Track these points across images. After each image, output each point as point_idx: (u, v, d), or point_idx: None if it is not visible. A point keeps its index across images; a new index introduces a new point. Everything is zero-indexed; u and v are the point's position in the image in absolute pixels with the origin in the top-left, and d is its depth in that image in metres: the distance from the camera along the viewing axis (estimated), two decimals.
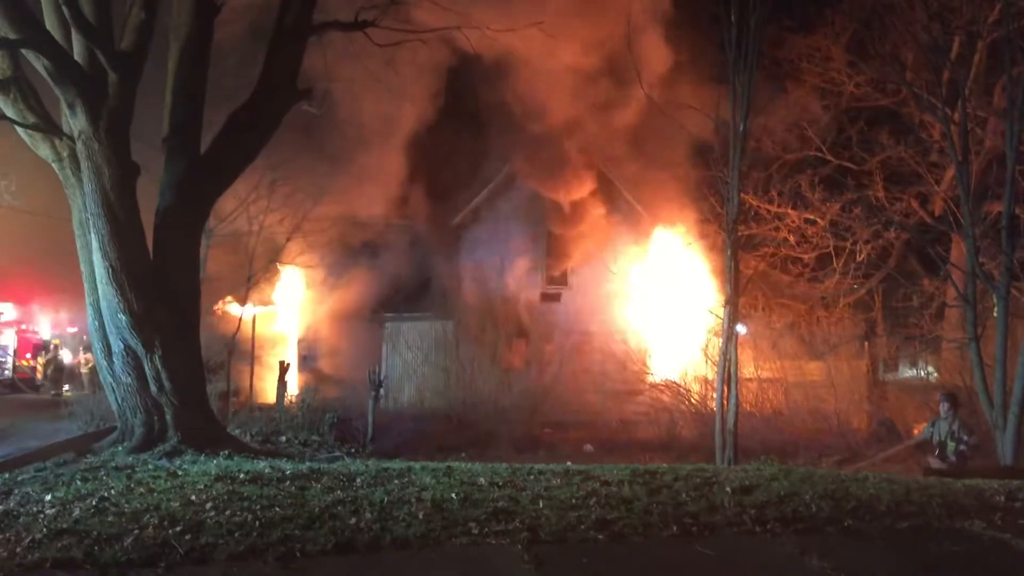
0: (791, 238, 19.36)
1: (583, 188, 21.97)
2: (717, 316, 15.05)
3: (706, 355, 19.04)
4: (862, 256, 19.52)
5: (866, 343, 20.68)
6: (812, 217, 19.37)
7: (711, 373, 17.78)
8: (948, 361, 17.98)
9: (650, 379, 19.59)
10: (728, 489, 7.38)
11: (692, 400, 18.53)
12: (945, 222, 17.79)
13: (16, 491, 7.33)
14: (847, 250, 19.48)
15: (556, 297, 24.02)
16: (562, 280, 24.11)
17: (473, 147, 21.45)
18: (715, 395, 14.00)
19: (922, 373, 20.07)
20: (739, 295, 13.61)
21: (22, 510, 6.49)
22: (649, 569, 5.60)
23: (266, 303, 24.51)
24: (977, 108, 16.89)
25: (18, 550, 5.52)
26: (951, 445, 11.78)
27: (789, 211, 19.30)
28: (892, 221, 18.98)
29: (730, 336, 13.32)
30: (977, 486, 8.17)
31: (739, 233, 14.03)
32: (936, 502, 7.27)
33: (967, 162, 13.62)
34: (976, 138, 16.73)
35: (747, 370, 17.97)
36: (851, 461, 14.62)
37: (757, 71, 13.32)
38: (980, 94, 17.69)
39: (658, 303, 21.17)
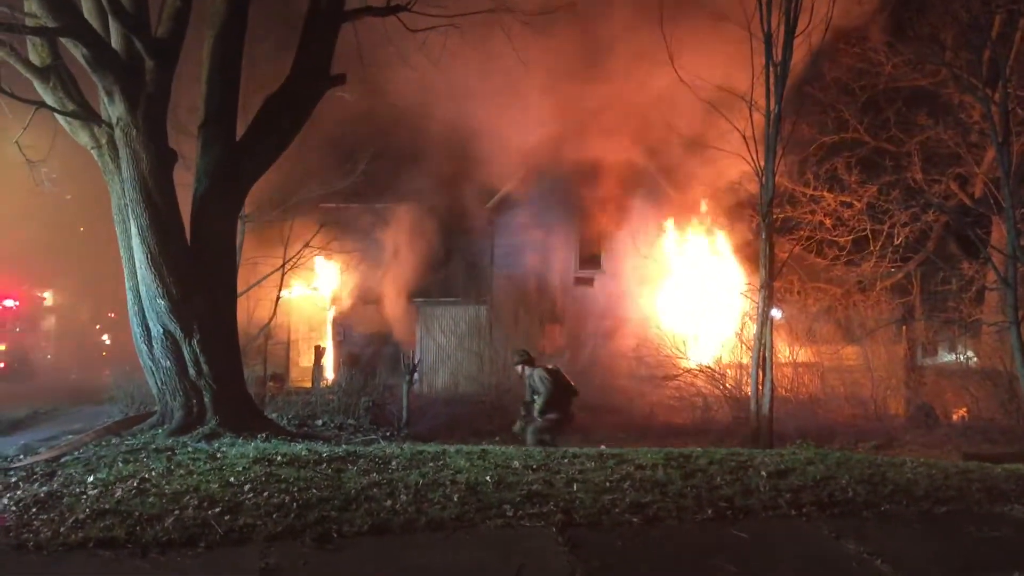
0: (827, 221, 19.15)
1: (617, 172, 21.87)
2: (752, 300, 14.96)
3: (741, 340, 18.92)
4: (900, 239, 19.27)
5: (904, 327, 20.44)
6: (848, 200, 19.14)
7: (746, 358, 17.67)
8: (987, 345, 17.75)
9: (684, 364, 19.49)
10: (763, 473, 7.35)
11: (727, 385, 18.42)
12: (985, 204, 17.54)
13: (60, 472, 7.48)
14: (884, 233, 19.23)
15: (589, 281, 23.95)
16: (595, 264, 24.03)
17: (506, 131, 21.39)
18: (750, 380, 13.93)
19: (961, 358, 19.81)
20: (774, 279, 13.52)
21: (66, 491, 6.61)
22: (683, 552, 5.60)
23: (301, 288, 24.72)
24: (1018, 88, 16.56)
25: (62, 530, 5.64)
26: (538, 402, 11.83)
27: (825, 194, 19.09)
28: (931, 203, 18.72)
29: (765, 320, 13.24)
30: (1018, 471, 8.08)
31: (774, 216, 13.92)
32: (975, 487, 7.20)
33: (1008, 143, 13.40)
34: (1017, 118, 16.42)
35: (782, 355, 17.84)
36: (888, 446, 14.50)
37: (792, 53, 13.18)
38: (1021, 73, 17.34)
39: (692, 287, 21.06)
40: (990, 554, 5.71)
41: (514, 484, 6.78)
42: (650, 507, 6.31)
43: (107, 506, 6.08)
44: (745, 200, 19.29)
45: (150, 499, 6.26)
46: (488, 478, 6.93)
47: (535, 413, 11.90)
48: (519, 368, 12.46)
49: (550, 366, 12.51)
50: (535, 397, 11.95)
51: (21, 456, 9.26)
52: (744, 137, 13.47)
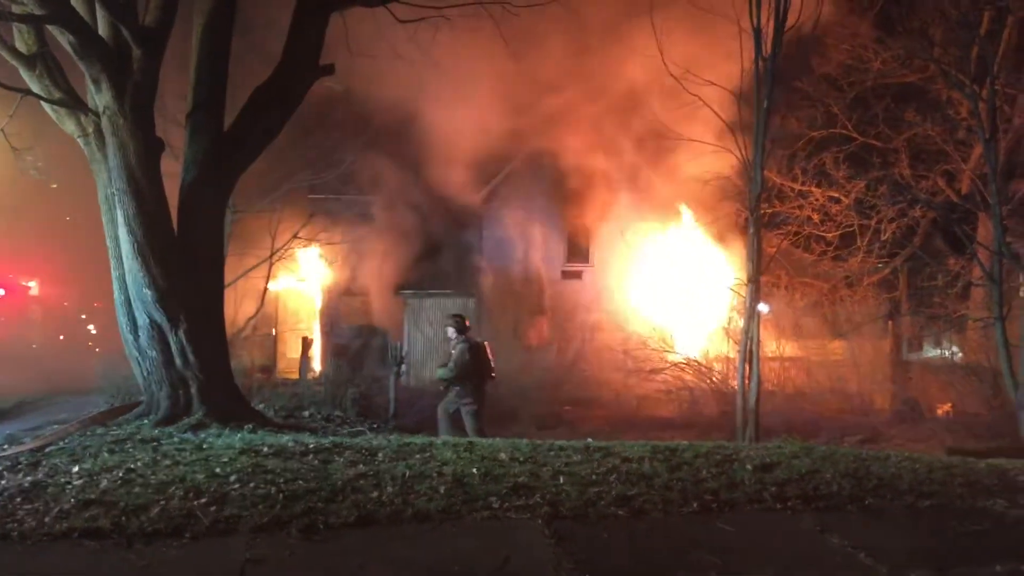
0: (815, 216, 19.21)
1: (605, 166, 21.89)
2: (739, 294, 14.99)
3: (728, 333, 18.99)
4: (887, 235, 19.33)
5: (890, 322, 20.56)
6: (836, 195, 19.20)
7: (733, 352, 17.74)
8: (973, 340, 17.86)
9: (671, 358, 19.55)
10: (749, 467, 7.38)
11: (713, 379, 18.49)
12: (972, 200, 17.64)
13: (44, 462, 7.43)
14: (871, 229, 19.30)
15: (578, 275, 24.02)
16: (583, 257, 24.11)
17: (494, 124, 21.37)
18: (736, 374, 13.98)
19: (946, 353, 19.93)
20: (761, 273, 13.56)
21: (50, 481, 6.58)
22: (669, 545, 5.62)
23: (289, 279, 24.67)
24: (1006, 85, 16.64)
25: (47, 520, 5.62)
26: (440, 371, 12.16)
27: (813, 189, 19.14)
28: (918, 199, 18.77)
29: (752, 314, 13.28)
30: (1000, 466, 8.14)
31: (762, 211, 13.95)
32: (958, 481, 7.25)
33: (995, 140, 13.47)
34: (1004, 116, 16.51)
35: (769, 349, 17.92)
36: (874, 441, 14.58)
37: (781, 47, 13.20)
38: (1009, 71, 17.42)
39: (680, 281, 21.11)
40: (972, 548, 5.75)
41: (501, 476, 6.79)
42: (636, 500, 6.33)
43: (92, 496, 6.06)
44: (733, 194, 19.32)
45: (135, 489, 6.24)
46: (475, 470, 6.94)
47: (437, 374, 12.27)
48: (449, 331, 12.52)
49: (478, 340, 12.57)
50: (448, 365, 12.12)
51: (6, 446, 9.20)
52: (732, 131, 13.50)
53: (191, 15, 11.22)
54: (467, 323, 12.60)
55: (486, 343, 12.67)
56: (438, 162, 22.01)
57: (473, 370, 12.04)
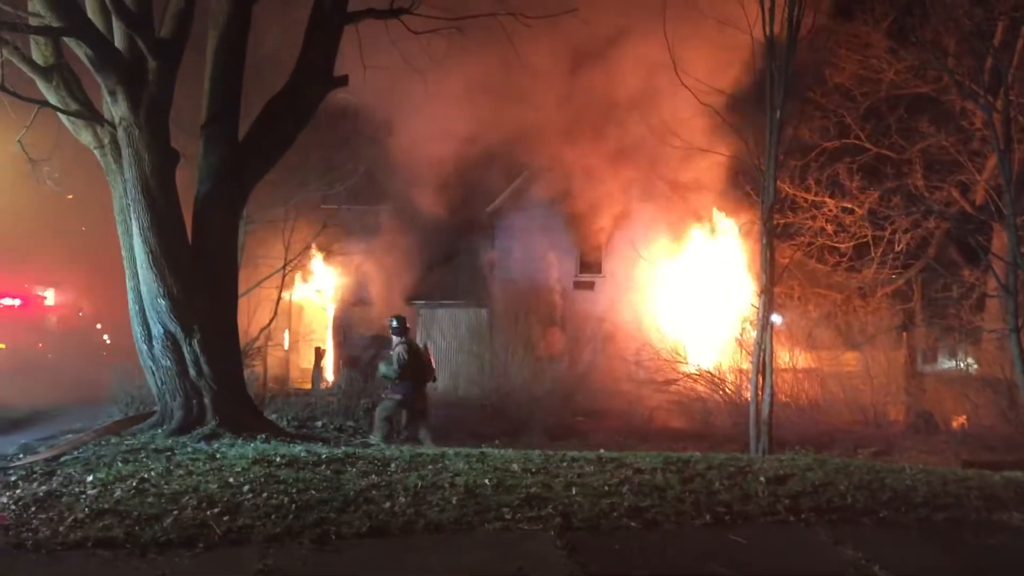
0: (828, 227, 19.13)
1: (617, 175, 21.88)
2: (752, 305, 14.94)
3: (741, 344, 18.91)
4: (901, 245, 19.24)
5: (904, 334, 20.44)
6: (850, 206, 19.13)
7: (746, 363, 17.65)
8: (988, 352, 17.74)
9: (684, 368, 19.48)
10: (762, 478, 7.34)
11: (726, 390, 18.40)
12: (986, 211, 17.53)
13: (59, 472, 7.49)
14: (885, 239, 19.20)
15: (590, 285, 23.99)
16: (596, 268, 24.08)
17: (508, 134, 21.40)
18: (750, 385, 13.91)
19: (961, 365, 19.80)
20: (775, 284, 13.50)
21: (64, 490, 6.62)
22: (682, 556, 5.61)
23: (302, 290, 24.72)
24: (1020, 95, 16.57)
25: (61, 529, 5.65)
26: (383, 369, 12.59)
27: (827, 199, 19.08)
28: (932, 210, 18.68)
29: (765, 326, 13.22)
30: (1016, 478, 8.08)
31: (775, 222, 13.91)
32: (974, 494, 7.20)
33: (1009, 150, 13.40)
34: (1019, 125, 16.40)
35: (782, 360, 17.82)
36: (888, 453, 14.48)
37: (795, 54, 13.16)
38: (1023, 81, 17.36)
39: (693, 291, 21.05)
40: (987, 561, 5.72)
41: (513, 487, 6.78)
42: (648, 511, 6.32)
43: (106, 506, 6.09)
44: (746, 204, 19.28)
45: (149, 499, 6.27)
46: (487, 481, 6.94)
47: (378, 374, 12.81)
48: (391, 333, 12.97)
49: (419, 343, 12.99)
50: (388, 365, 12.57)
51: (20, 455, 9.26)
52: (746, 142, 13.47)
53: (206, 27, 11.31)
54: (407, 324, 13.16)
55: (427, 345, 13.40)
56: (452, 172, 22.06)
57: (412, 370, 12.50)
